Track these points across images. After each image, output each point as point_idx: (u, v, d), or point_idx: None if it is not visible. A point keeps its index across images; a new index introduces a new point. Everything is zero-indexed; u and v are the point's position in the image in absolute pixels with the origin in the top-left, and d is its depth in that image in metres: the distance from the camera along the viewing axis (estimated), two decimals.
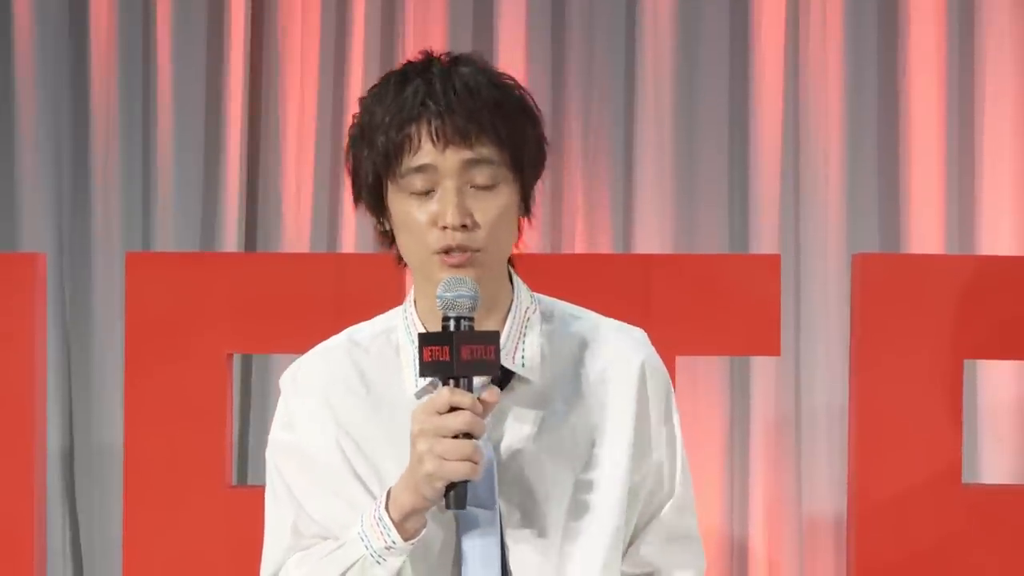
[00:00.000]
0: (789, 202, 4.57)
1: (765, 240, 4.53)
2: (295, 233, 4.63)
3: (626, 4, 4.63)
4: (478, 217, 1.98)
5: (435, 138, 1.96)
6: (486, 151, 1.98)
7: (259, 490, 3.25)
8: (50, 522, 4.42)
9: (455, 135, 1.96)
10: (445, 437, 1.89)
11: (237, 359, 4.44)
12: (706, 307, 3.51)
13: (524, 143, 2.02)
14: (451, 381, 1.91)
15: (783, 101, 4.58)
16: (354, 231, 4.61)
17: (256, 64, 4.70)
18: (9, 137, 4.70)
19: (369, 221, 4.56)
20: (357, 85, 4.62)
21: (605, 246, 4.60)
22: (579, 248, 4.57)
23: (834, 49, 4.57)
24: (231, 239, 4.62)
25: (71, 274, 4.71)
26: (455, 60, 2.02)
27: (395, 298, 3.36)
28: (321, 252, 4.60)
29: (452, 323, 1.92)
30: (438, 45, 4.54)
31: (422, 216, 1.98)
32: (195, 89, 4.69)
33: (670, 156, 4.60)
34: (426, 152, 1.96)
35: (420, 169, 1.97)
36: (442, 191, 1.97)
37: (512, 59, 4.52)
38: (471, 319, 1.93)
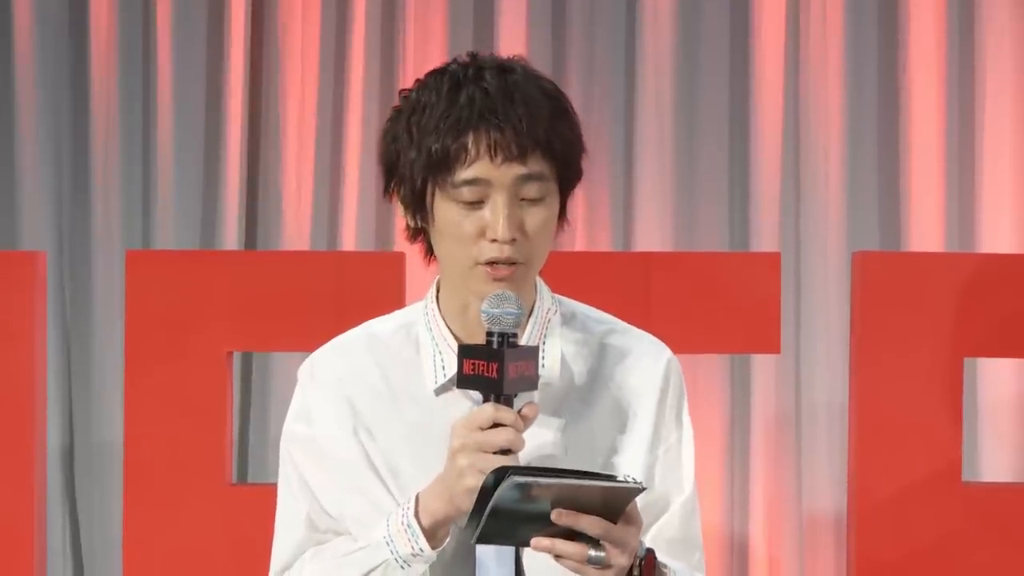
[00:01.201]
0: (789, 199, 4.58)
1: (765, 237, 4.53)
2: (295, 230, 4.63)
3: (626, 1, 4.63)
4: (526, 230, 1.97)
5: (492, 153, 1.94)
6: (538, 167, 1.97)
7: (259, 488, 3.27)
8: (50, 521, 4.42)
9: (513, 150, 1.94)
10: (487, 452, 1.89)
11: (237, 357, 4.44)
12: (706, 305, 3.51)
13: (572, 158, 2.02)
14: (492, 396, 1.91)
15: (783, 98, 4.58)
16: (354, 228, 4.61)
17: (256, 61, 4.71)
18: (9, 136, 4.70)
19: (371, 219, 4.52)
20: (358, 82, 4.62)
21: (605, 243, 4.60)
22: (579, 246, 4.57)
23: (834, 46, 4.57)
24: (231, 237, 4.62)
25: (71, 272, 4.71)
26: (503, 67, 2.00)
27: (395, 296, 3.38)
28: (321, 250, 4.60)
29: (497, 339, 1.91)
30: (439, 41, 4.60)
31: (470, 227, 1.96)
32: (195, 89, 4.69)
33: (670, 153, 4.60)
34: (481, 165, 1.94)
35: (473, 182, 1.95)
36: (493, 204, 1.95)
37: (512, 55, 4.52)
38: (515, 335, 1.92)
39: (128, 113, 4.70)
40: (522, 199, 1.97)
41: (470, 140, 1.94)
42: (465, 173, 1.95)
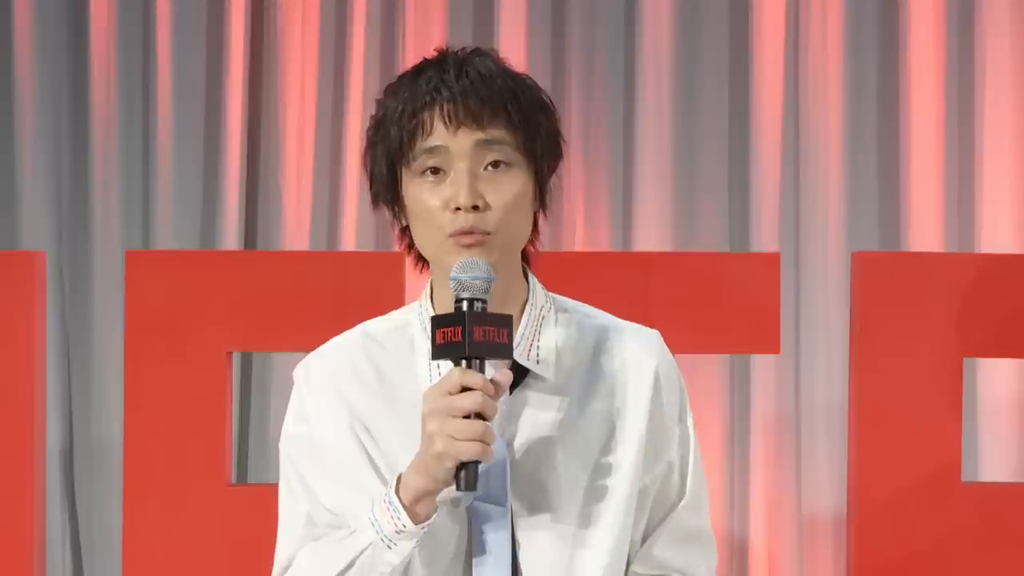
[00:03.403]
0: (789, 199, 4.58)
1: (765, 237, 4.53)
2: (295, 230, 4.64)
3: (625, 1, 4.63)
4: (490, 199, 1.98)
5: (447, 120, 1.96)
6: (498, 133, 1.98)
7: (259, 488, 3.27)
8: (50, 519, 4.42)
9: (467, 116, 1.96)
10: (456, 417, 1.89)
11: (237, 357, 4.44)
12: (706, 305, 3.51)
13: (537, 128, 2.02)
14: (463, 362, 1.91)
15: (783, 97, 4.58)
16: (354, 228, 4.62)
17: (256, 61, 4.71)
18: (9, 136, 4.70)
19: (371, 219, 4.54)
20: (357, 83, 4.63)
21: (604, 243, 4.60)
22: (578, 246, 4.57)
23: (834, 46, 4.57)
24: (231, 237, 4.62)
25: (71, 272, 4.70)
26: (470, 53, 2.03)
27: (395, 297, 3.38)
28: (321, 250, 4.60)
29: (465, 304, 1.92)
30: (438, 42, 4.54)
31: (434, 200, 1.98)
32: (195, 89, 4.69)
33: (670, 153, 4.60)
34: (438, 134, 1.97)
35: (432, 151, 1.97)
36: (455, 173, 1.97)
37: (512, 56, 4.48)
38: (484, 301, 1.92)
39: (128, 113, 4.70)
40: (485, 168, 1.98)
41: (426, 115, 1.97)
42: (424, 143, 1.98)
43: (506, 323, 1.93)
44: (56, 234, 4.71)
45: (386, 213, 2.07)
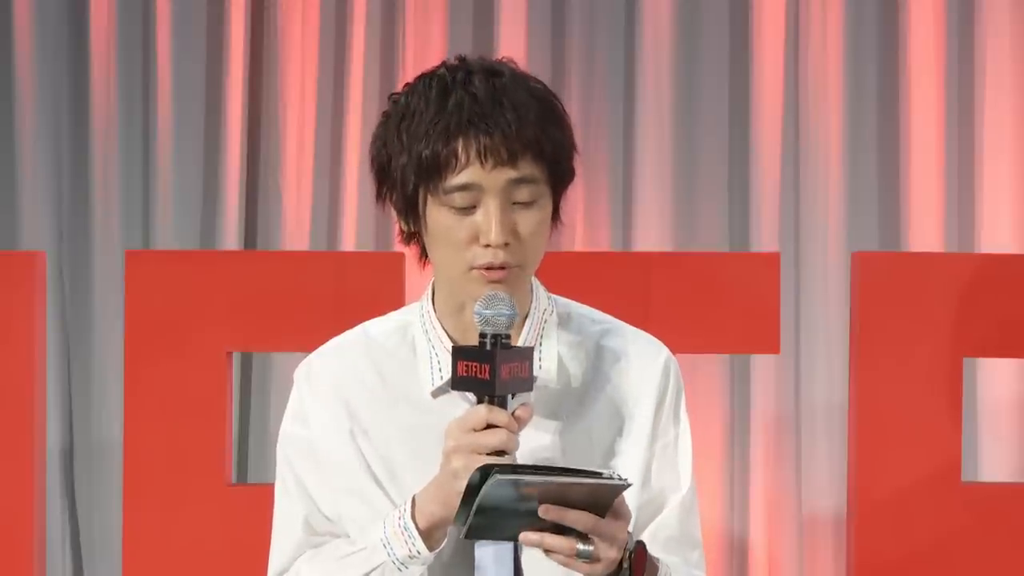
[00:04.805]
0: (789, 199, 4.58)
1: (765, 237, 4.53)
2: (295, 230, 4.64)
3: (625, 1, 4.64)
4: (519, 232, 1.98)
5: (483, 158, 1.94)
6: (529, 170, 1.97)
7: (259, 488, 3.27)
8: (50, 519, 4.42)
9: (503, 155, 1.94)
10: (480, 454, 1.89)
11: (237, 357, 4.44)
12: (706, 305, 3.51)
13: (563, 158, 2.01)
14: (486, 398, 1.91)
15: (783, 97, 4.58)
16: (354, 228, 4.62)
17: (256, 62, 4.71)
18: (9, 136, 4.70)
19: (371, 219, 4.53)
20: (357, 83, 4.63)
21: (604, 243, 4.60)
22: (578, 246, 4.57)
23: (834, 46, 4.57)
24: (231, 237, 4.63)
25: (71, 272, 4.71)
26: (491, 70, 2.00)
27: (395, 297, 3.39)
28: (321, 250, 4.61)
29: (490, 340, 1.91)
30: (438, 44, 4.60)
31: (463, 232, 1.96)
32: (195, 89, 4.69)
33: (670, 154, 4.60)
34: (472, 171, 1.95)
35: (464, 187, 1.95)
36: (485, 209, 1.96)
37: (512, 56, 4.51)
38: (508, 336, 1.93)
39: (128, 113, 4.70)
40: (514, 202, 1.97)
41: (460, 146, 1.94)
42: (456, 179, 1.95)
43: (528, 355, 1.94)
44: (56, 234, 4.71)
45: (388, 208, 2.05)
